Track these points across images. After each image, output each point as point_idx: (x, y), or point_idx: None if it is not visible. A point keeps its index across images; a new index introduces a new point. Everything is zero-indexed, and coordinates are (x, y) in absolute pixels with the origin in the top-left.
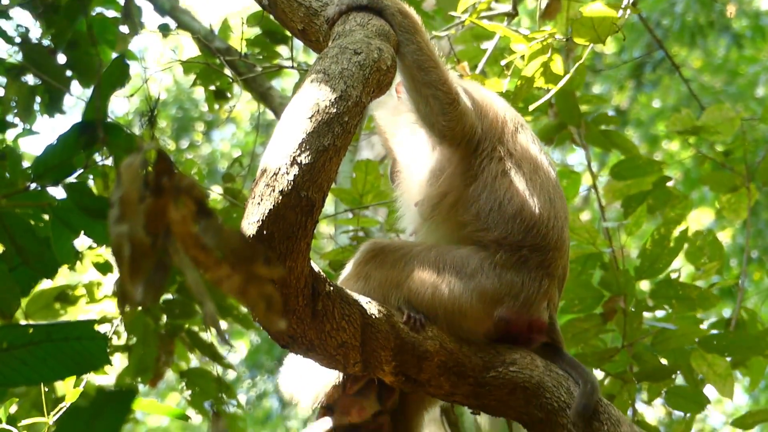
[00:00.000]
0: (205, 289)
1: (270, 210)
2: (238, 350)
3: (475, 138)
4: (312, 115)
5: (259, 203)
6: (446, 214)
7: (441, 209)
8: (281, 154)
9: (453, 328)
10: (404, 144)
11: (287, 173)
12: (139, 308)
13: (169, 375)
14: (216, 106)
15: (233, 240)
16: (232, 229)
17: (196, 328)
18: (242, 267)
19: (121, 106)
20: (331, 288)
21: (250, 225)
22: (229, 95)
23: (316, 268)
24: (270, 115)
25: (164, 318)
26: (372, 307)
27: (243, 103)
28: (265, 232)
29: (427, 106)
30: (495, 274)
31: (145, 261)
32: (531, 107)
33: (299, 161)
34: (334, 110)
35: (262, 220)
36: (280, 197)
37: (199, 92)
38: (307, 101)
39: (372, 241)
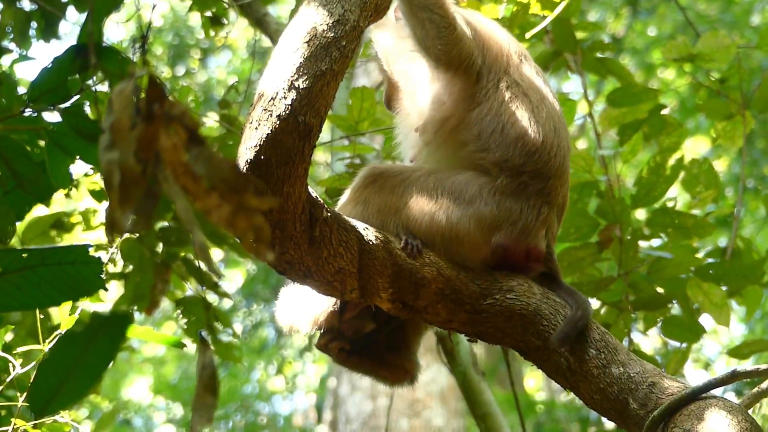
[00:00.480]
0: (195, 218)
1: (267, 135)
2: (230, 280)
3: (474, 66)
4: (309, 40)
5: (256, 128)
6: (447, 136)
7: (442, 132)
8: (278, 79)
9: (450, 254)
10: (404, 70)
11: (285, 98)
12: (134, 236)
13: (165, 304)
14: (212, 33)
15: (224, 169)
16: (224, 158)
17: (191, 257)
18: (232, 197)
19: (116, 32)
20: (329, 214)
21: (247, 150)
22: (225, 21)
23: (314, 194)
24: (266, 42)
25: (160, 246)
26: (369, 233)
27: (239, 30)
28: (262, 157)
29: (423, 30)
30: (494, 201)
31: (135, 188)
32: (528, 34)
33: (297, 86)
34: (332, 34)
35: (259, 145)
36: (278, 122)
37: (195, 19)
38: (304, 25)
39: (371, 166)
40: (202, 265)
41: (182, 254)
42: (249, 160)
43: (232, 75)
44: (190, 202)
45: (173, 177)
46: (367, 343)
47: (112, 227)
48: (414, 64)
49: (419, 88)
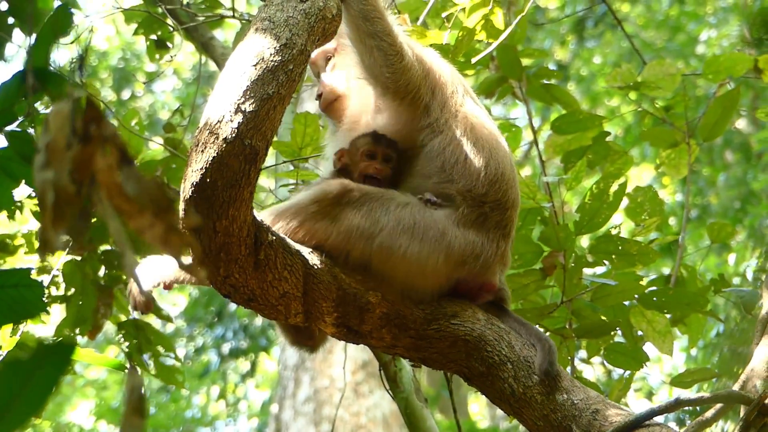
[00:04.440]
0: (127, 238)
1: (214, 158)
2: (172, 300)
3: (421, 98)
4: (257, 63)
5: (202, 151)
6: (409, 166)
7: (408, 161)
8: (225, 102)
9: (408, 286)
10: (354, 86)
11: (231, 121)
12: (76, 258)
13: (108, 327)
14: (156, 56)
15: (152, 189)
16: (151, 178)
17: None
18: (164, 216)
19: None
20: (274, 237)
21: (193, 172)
22: (169, 45)
23: (259, 218)
24: (212, 66)
25: (102, 269)
26: (314, 258)
27: (185, 54)
28: (208, 180)
29: (371, 57)
30: (461, 233)
31: (69, 208)
32: (473, 60)
33: (243, 109)
34: (279, 58)
35: (205, 168)
36: (224, 145)
37: (142, 43)
38: (252, 49)
39: (342, 181)
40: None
41: (124, 277)
42: (195, 183)
43: (178, 99)
44: (125, 222)
45: (108, 197)
46: None
47: (45, 246)
48: (363, 90)
49: (369, 110)
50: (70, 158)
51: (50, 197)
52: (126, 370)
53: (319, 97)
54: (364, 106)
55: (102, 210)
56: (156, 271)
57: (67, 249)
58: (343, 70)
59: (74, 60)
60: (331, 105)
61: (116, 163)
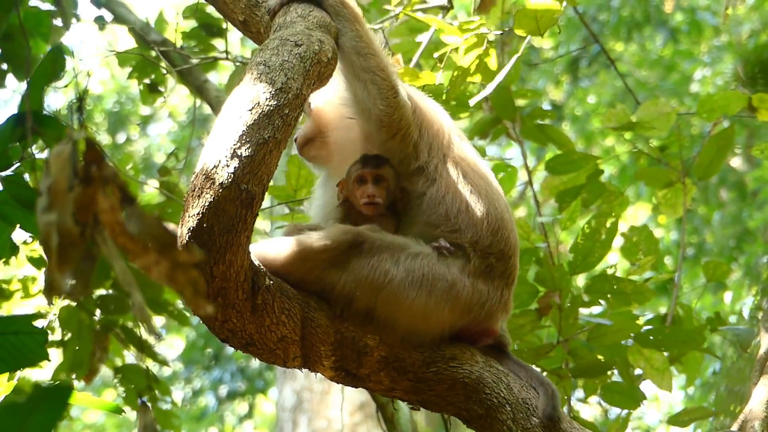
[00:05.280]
0: (133, 278)
1: (210, 202)
2: (170, 346)
3: (410, 138)
4: (252, 107)
5: (199, 195)
6: (413, 215)
7: (409, 210)
8: (221, 146)
9: (409, 333)
10: (339, 127)
11: (227, 165)
12: (73, 303)
13: (104, 371)
14: (150, 100)
15: (154, 227)
16: (152, 216)
17: (130, 324)
18: (168, 253)
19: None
20: (271, 282)
21: (190, 218)
22: (162, 89)
23: (256, 262)
24: (206, 109)
25: (99, 313)
26: (312, 302)
27: (180, 98)
28: (205, 225)
29: (364, 91)
30: (470, 283)
31: (74, 250)
32: (471, 102)
33: (239, 153)
34: (275, 102)
35: (202, 213)
36: (221, 190)
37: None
38: (248, 93)
39: (358, 231)
40: (142, 331)
41: (121, 321)
42: (191, 228)
43: (173, 143)
44: (129, 262)
45: (112, 237)
46: None
47: (51, 290)
48: (349, 128)
49: (357, 149)
50: (73, 200)
51: (54, 239)
52: (137, 409)
53: (295, 140)
54: (351, 148)
55: (106, 250)
56: None
57: (68, 293)
58: (318, 114)
59: (73, 102)
60: (305, 148)
61: (118, 203)
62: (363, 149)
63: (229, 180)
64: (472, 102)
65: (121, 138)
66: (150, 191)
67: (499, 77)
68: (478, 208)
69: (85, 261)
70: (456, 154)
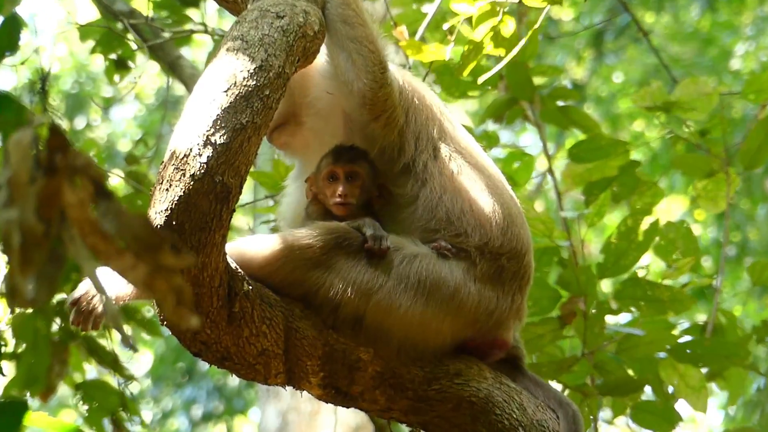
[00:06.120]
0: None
1: (180, 197)
2: (135, 356)
3: (396, 123)
4: (228, 89)
5: (167, 189)
6: (407, 222)
7: (396, 215)
8: (193, 133)
9: (405, 345)
10: (314, 110)
11: (200, 155)
12: (29, 309)
13: (63, 388)
14: (117, 78)
15: (136, 225)
16: (134, 213)
17: (94, 334)
18: (148, 256)
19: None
20: (250, 287)
21: (157, 214)
22: (132, 65)
23: (233, 264)
24: (179, 89)
25: (57, 321)
26: (296, 310)
27: (149, 77)
28: (174, 223)
29: (348, 61)
30: (476, 290)
31: (38, 251)
32: (480, 79)
33: (213, 141)
34: (254, 83)
35: (171, 209)
36: (192, 182)
37: (98, 63)
38: (223, 72)
39: (342, 225)
40: (112, 340)
41: (82, 332)
42: (159, 226)
43: (141, 128)
44: (101, 264)
45: (81, 236)
46: None
47: (14, 296)
48: (328, 110)
49: (338, 134)
50: (35, 193)
51: (16, 239)
52: (102, 431)
53: None
54: (329, 134)
55: (74, 250)
56: (113, 284)
57: (32, 300)
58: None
59: (37, 81)
60: (275, 133)
61: (90, 197)
62: (343, 136)
63: (202, 171)
64: (482, 79)
65: (80, 123)
66: (116, 182)
67: (515, 50)
68: (483, 205)
69: (51, 263)
70: (449, 145)
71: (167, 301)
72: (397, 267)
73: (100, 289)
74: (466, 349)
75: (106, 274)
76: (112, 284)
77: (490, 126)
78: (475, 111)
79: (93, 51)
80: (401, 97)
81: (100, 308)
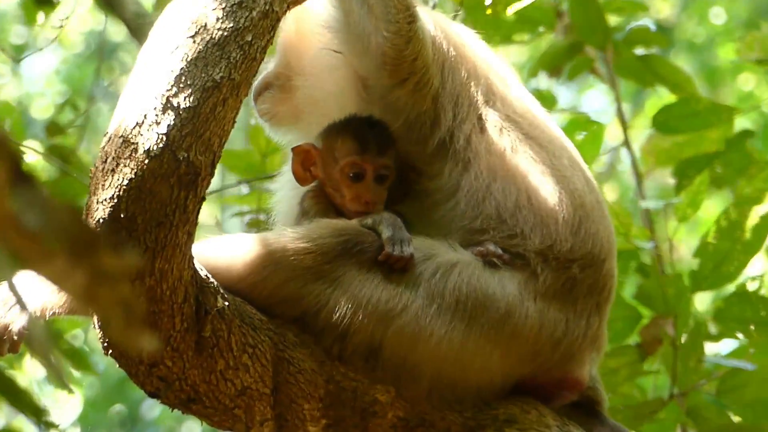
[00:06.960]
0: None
1: (130, 181)
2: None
3: (429, 87)
4: (196, 33)
5: (113, 171)
6: (443, 221)
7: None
8: (148, 94)
9: (440, 384)
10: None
11: (157, 123)
12: None
13: None
14: (39, 17)
15: (67, 219)
16: (62, 203)
17: (3, 366)
18: (86, 259)
19: None
20: (226, 303)
21: (99, 204)
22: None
23: (203, 273)
24: (119, 33)
25: None
26: (289, 334)
27: (77, 16)
28: (123, 216)
29: (363, 7)
30: (537, 311)
31: None
32: (514, 6)
33: (176, 104)
34: (230, 25)
35: (118, 197)
36: (147, 161)
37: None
38: (188, 11)
39: (351, 224)
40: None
41: None
42: (102, 220)
43: (66, 85)
44: (26, 269)
45: None
46: None
47: None
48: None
49: (345, 103)
50: None
51: None
52: None
53: None
54: (331, 103)
55: None
56: (36, 291)
57: None
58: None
59: None
60: (260, 98)
61: (6, 183)
62: (351, 105)
63: (160, 145)
64: (518, 5)
65: None
66: (31, 160)
67: None
68: (546, 194)
69: None
70: (499, 112)
71: (113, 316)
72: (428, 281)
73: (22, 307)
74: (525, 389)
75: (28, 278)
76: (36, 292)
77: (544, 82)
78: (523, 63)
79: None
80: (435, 49)
81: (17, 325)
